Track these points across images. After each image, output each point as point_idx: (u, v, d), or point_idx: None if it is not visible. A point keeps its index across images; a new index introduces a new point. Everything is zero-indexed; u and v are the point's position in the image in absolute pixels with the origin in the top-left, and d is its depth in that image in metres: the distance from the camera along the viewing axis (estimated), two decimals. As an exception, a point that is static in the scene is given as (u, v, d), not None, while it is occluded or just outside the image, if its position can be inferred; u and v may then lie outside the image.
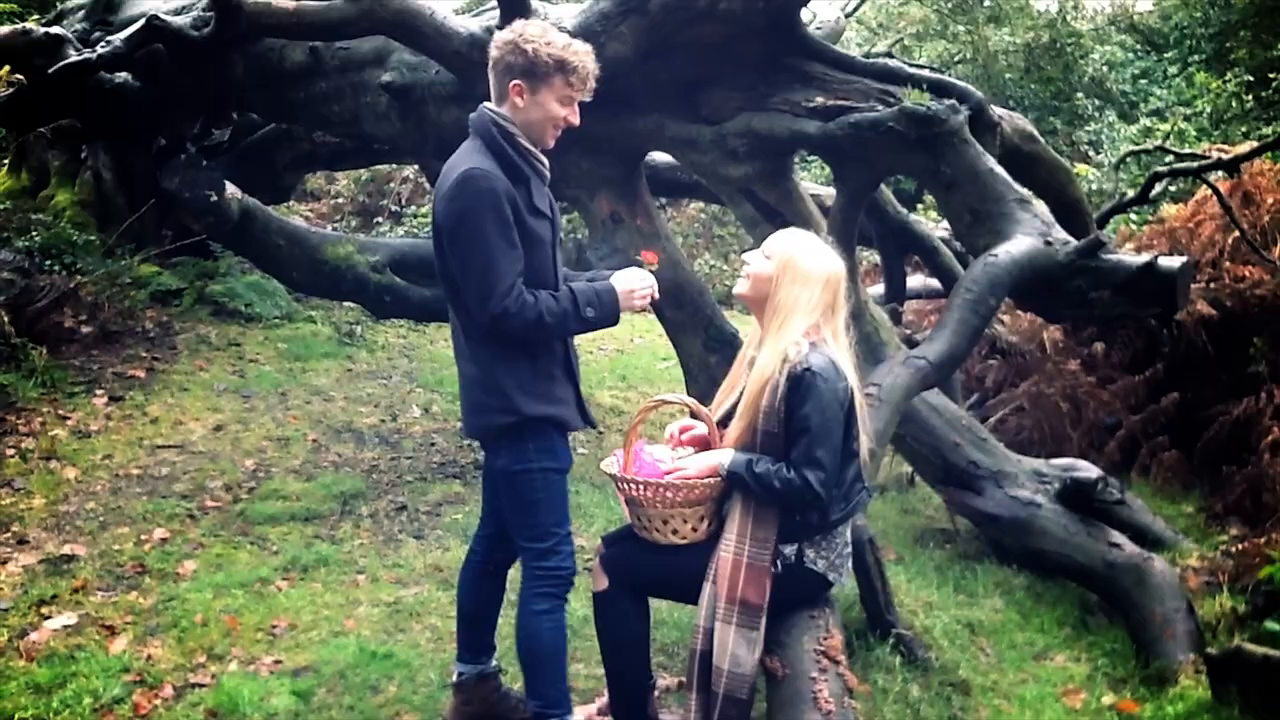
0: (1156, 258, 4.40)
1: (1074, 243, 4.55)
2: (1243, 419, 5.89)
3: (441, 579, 4.37)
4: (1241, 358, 6.06)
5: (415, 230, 10.64)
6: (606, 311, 2.93)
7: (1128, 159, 7.76)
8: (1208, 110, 12.61)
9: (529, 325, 2.78)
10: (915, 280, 7.05)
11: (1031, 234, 4.51)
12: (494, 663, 3.28)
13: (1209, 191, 6.76)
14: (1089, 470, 4.84)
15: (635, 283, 2.99)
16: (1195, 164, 6.10)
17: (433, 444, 6.11)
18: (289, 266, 5.61)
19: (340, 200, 11.77)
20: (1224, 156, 6.18)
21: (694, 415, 3.18)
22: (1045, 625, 4.28)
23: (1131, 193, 6.49)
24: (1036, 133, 5.41)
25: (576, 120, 2.94)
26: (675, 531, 3.02)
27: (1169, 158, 6.71)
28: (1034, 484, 4.74)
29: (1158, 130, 11.03)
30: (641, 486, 2.96)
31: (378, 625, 3.98)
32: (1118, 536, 4.41)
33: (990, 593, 4.52)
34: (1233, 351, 6.16)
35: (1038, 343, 6.45)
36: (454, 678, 3.25)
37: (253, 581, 4.27)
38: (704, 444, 3.16)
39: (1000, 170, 4.68)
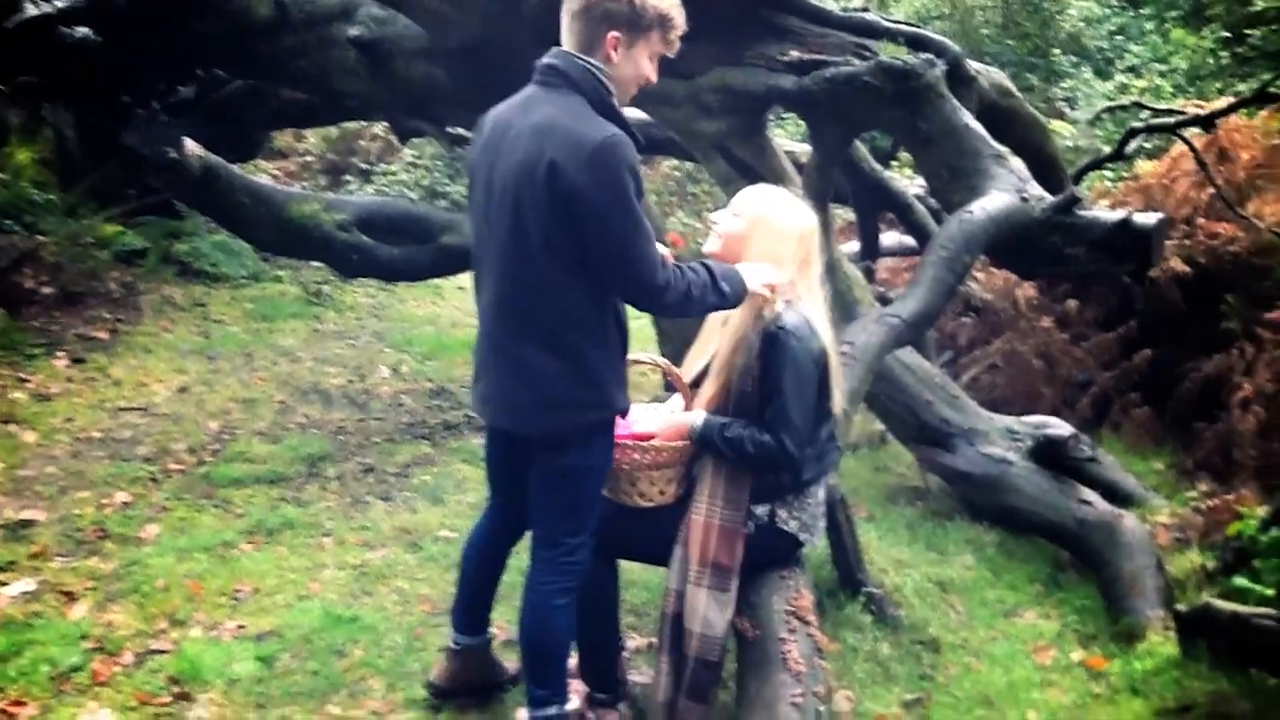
0: (1131, 214, 4.37)
1: (1050, 199, 4.50)
2: (1214, 376, 5.86)
3: (409, 541, 4.32)
4: (1215, 315, 6.03)
5: (386, 189, 10.48)
6: (736, 291, 2.77)
7: (1103, 115, 7.70)
8: (1184, 66, 12.53)
9: (683, 299, 2.62)
10: (889, 238, 6.99)
11: (1007, 190, 4.46)
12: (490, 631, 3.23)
13: (1185, 148, 6.73)
14: (1061, 428, 4.82)
15: (762, 272, 2.86)
16: (1172, 120, 6.04)
17: (401, 405, 6.04)
18: (254, 225, 5.49)
19: (309, 158, 11.58)
20: (1200, 112, 6.13)
21: (665, 375, 3.13)
22: (1016, 582, 4.27)
23: (1108, 149, 6.44)
24: (1013, 88, 5.35)
25: (656, 79, 2.74)
26: (644, 494, 2.96)
27: (1145, 114, 6.64)
28: (1006, 441, 4.72)
29: (1133, 87, 10.95)
30: (609, 448, 2.91)
31: (343, 589, 3.93)
32: (1089, 494, 4.40)
33: (961, 550, 4.51)
34: (1206, 308, 6.12)
35: (1011, 300, 6.42)
36: (453, 646, 3.16)
37: (216, 545, 4.20)
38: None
39: (977, 126, 4.63)
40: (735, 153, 5.20)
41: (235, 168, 5.69)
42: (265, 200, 5.50)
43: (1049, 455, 4.57)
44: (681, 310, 2.69)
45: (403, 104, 5.61)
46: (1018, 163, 4.62)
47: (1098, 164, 6.33)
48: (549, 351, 2.60)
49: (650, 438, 2.95)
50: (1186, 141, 5.98)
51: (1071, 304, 6.40)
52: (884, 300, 5.32)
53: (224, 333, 6.90)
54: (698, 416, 2.94)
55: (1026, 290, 6.43)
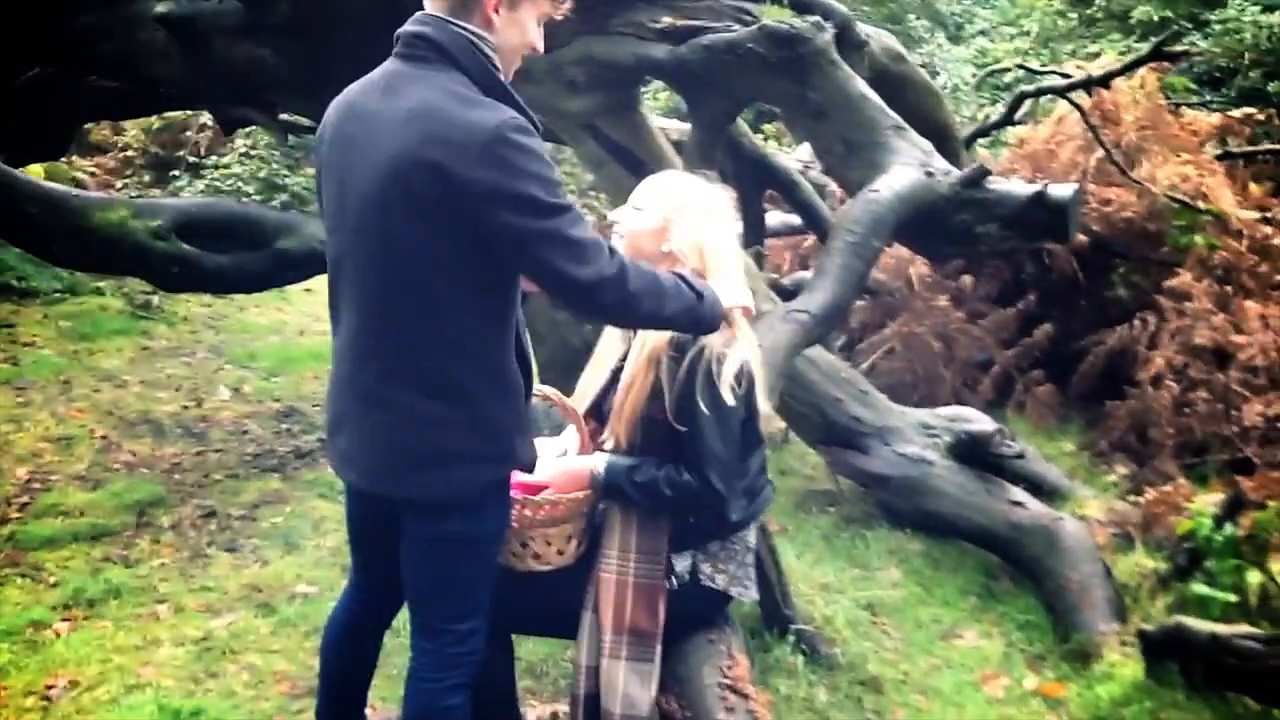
0: (1047, 186, 3.99)
1: (956, 172, 4.11)
2: (1118, 349, 5.64)
3: (260, 602, 3.68)
4: (1112, 284, 5.80)
5: (219, 183, 9.60)
6: (710, 300, 2.20)
7: (986, 80, 7.42)
8: (1034, 30, 12.52)
9: (642, 294, 2.05)
10: (773, 218, 6.56)
11: (911, 165, 4.05)
12: None
13: (1066, 112, 6.48)
14: (980, 420, 4.48)
15: (736, 287, 2.35)
16: (1061, 82, 5.74)
17: (245, 432, 5.34)
18: (47, 239, 4.68)
19: (130, 153, 10.57)
20: (1087, 75, 5.85)
21: (554, 407, 2.59)
22: (949, 597, 3.88)
23: (995, 115, 6.13)
24: (905, 52, 4.94)
25: (542, 49, 2.21)
26: (539, 556, 2.42)
27: (1036, 78, 6.35)
28: (922, 439, 4.35)
29: (991, 51, 10.81)
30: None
31: (182, 671, 3.28)
32: (1020, 494, 4.04)
33: (885, 562, 4.10)
34: (1103, 278, 5.90)
35: (905, 279, 6.07)
36: None
37: (23, 627, 3.49)
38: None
39: (873, 95, 4.19)
40: (606, 133, 4.67)
41: (20, 170, 4.88)
42: (58, 207, 4.70)
43: (971, 452, 4.20)
44: (642, 310, 2.09)
45: (225, 90, 4.88)
46: (916, 135, 4.21)
47: (985, 130, 6.01)
48: (432, 395, 2.04)
49: (543, 488, 2.41)
50: (1076, 105, 5.70)
51: (966, 280, 6.09)
52: (780, 290, 4.87)
53: (35, 357, 6.05)
54: (598, 460, 2.41)
55: (919, 268, 6.09)
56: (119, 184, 10.09)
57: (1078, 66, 6.56)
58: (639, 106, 4.69)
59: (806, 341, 3.71)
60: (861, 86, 4.18)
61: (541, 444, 2.70)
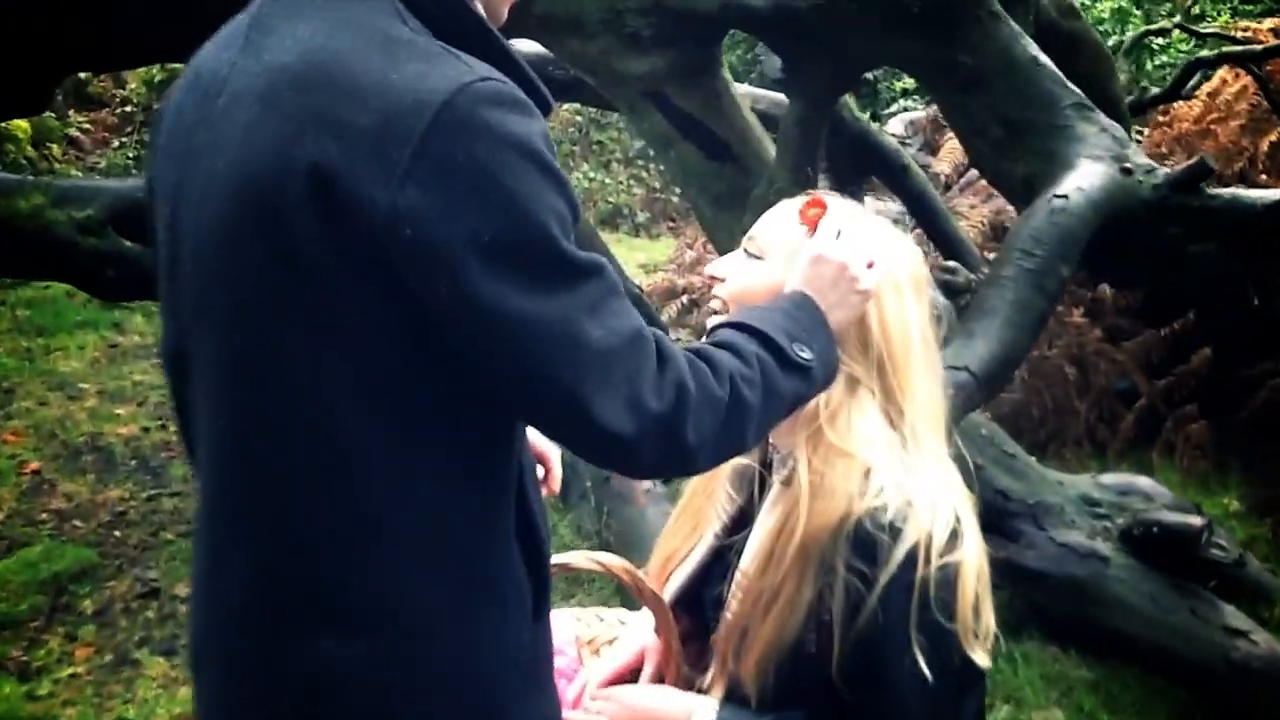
0: (1295, 191, 2.87)
1: (1161, 170, 3.00)
2: (1300, 383, 4.51)
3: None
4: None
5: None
6: (821, 341, 1.17)
7: (1143, 42, 6.22)
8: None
9: (719, 428, 1.03)
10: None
11: (1103, 159, 2.94)
12: None
13: (1221, 84, 5.32)
14: (1160, 496, 3.40)
15: (835, 268, 1.22)
16: (1242, 49, 4.57)
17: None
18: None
19: (130, 108, 9.51)
20: (1270, 43, 4.69)
21: (626, 584, 1.52)
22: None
23: (1157, 89, 4.98)
24: (1076, 3, 3.80)
25: None
26: None
27: (1197, 41, 5.18)
28: (1087, 521, 3.27)
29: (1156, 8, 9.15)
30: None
31: None
32: (1239, 618, 2.95)
33: (1042, 696, 3.04)
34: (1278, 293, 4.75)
35: (1031, 288, 4.93)
36: None
37: None
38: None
39: (1047, 61, 3.09)
40: (677, 103, 3.58)
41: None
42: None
43: (1161, 548, 3.11)
44: (718, 454, 1.09)
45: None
46: (1106, 117, 3.10)
47: (1141, 106, 4.86)
48: (344, 628, 1.01)
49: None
50: (1259, 76, 4.53)
51: (1104, 289, 4.96)
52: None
53: (-20, 356, 5.08)
54: (703, 707, 1.34)
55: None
56: (116, 142, 9.09)
57: (1244, 30, 5.37)
58: (720, 70, 3.59)
59: (967, 407, 2.63)
60: (1032, 49, 3.07)
61: (603, 626, 1.67)
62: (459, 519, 1.02)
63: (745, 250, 1.42)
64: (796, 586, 1.27)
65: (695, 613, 1.47)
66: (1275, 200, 2.84)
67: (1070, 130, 2.99)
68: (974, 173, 5.46)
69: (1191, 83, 4.78)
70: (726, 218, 3.69)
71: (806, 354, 1.14)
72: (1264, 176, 4.90)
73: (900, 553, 1.20)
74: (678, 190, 9.53)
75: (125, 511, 3.87)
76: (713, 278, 1.45)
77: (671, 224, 9.36)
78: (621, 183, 9.38)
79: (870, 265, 1.29)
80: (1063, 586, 3.15)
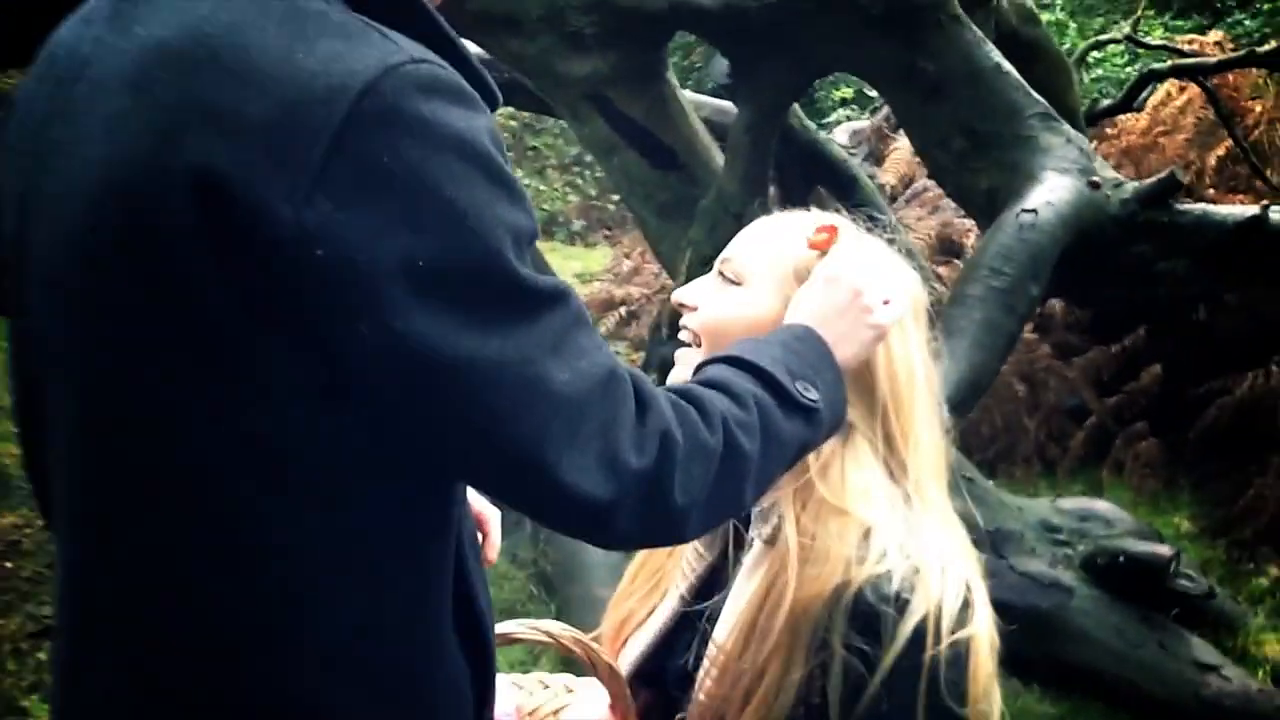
0: (1268, 207, 2.77)
1: (1130, 185, 2.87)
2: (1250, 400, 4.45)
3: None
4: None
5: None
6: (827, 379, 0.99)
7: (1089, 54, 6.15)
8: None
9: (710, 488, 0.85)
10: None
11: (1069, 171, 2.81)
12: None
13: (1164, 98, 5.28)
14: (1118, 519, 3.28)
15: (847, 295, 1.06)
16: (1200, 61, 4.50)
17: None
18: None
19: None
20: (1220, 56, 4.63)
21: (573, 654, 1.32)
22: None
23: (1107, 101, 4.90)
24: (1035, 8, 3.68)
25: None
26: None
27: (1133, 55, 5.13)
28: (1048, 548, 3.15)
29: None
30: None
31: None
32: (1210, 652, 2.83)
33: (1006, 735, 2.88)
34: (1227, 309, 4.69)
35: (979, 302, 4.83)
36: None
37: None
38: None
39: (1011, 69, 2.96)
40: (621, 107, 3.40)
41: None
42: None
43: (1127, 579, 2.99)
44: (710, 517, 0.90)
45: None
46: (1071, 128, 2.97)
47: (1094, 118, 4.78)
48: None
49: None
50: (1208, 89, 4.47)
51: (1054, 303, 4.86)
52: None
53: None
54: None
55: (997, 288, 4.85)
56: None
57: (1189, 42, 5.32)
58: (667, 74, 3.42)
59: (931, 438, 2.47)
60: (995, 55, 2.94)
61: (547, 692, 1.46)
62: (385, 617, 0.82)
63: (720, 273, 1.23)
64: (784, 666, 1.08)
65: (656, 686, 1.27)
66: (1247, 217, 2.73)
67: (1035, 141, 2.86)
68: (920, 184, 5.36)
69: (1144, 95, 4.72)
70: (672, 228, 3.52)
71: (812, 394, 0.95)
72: (1211, 190, 4.86)
73: (908, 629, 1.02)
74: (614, 197, 9.38)
75: (18, 540, 3.57)
76: (682, 305, 1.26)
77: (608, 232, 9.17)
78: (557, 189, 9.18)
79: (887, 301, 1.11)
80: (1025, 618, 2.99)
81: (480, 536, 1.18)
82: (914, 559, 1.05)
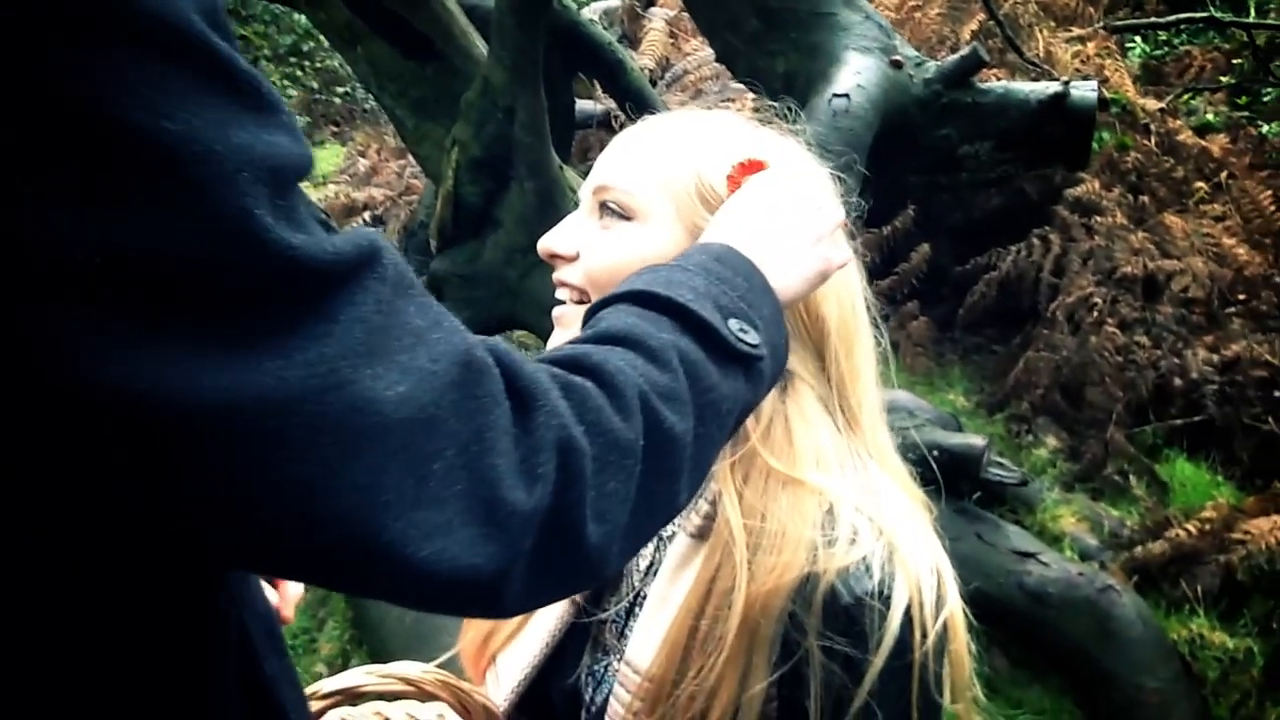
0: (1068, 85, 2.67)
1: (931, 64, 2.71)
2: (1014, 275, 4.52)
3: None
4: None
5: None
6: (765, 313, 0.70)
7: None
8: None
9: (636, 513, 0.60)
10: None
11: (871, 50, 2.61)
12: None
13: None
14: (919, 408, 3.23)
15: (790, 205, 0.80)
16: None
17: None
18: None
19: None
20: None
21: (429, 700, 1.03)
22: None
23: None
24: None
25: None
26: None
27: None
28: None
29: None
30: None
31: None
32: (1029, 540, 2.80)
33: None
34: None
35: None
36: None
37: None
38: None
39: (804, -64, 2.70)
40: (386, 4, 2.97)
41: None
42: None
43: (944, 472, 2.92)
44: (636, 541, 0.65)
45: None
46: (869, 3, 2.77)
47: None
48: None
49: None
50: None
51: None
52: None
53: None
54: None
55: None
56: None
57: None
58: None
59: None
60: (787, -77, 2.67)
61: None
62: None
63: (602, 205, 0.94)
64: (740, 681, 0.86)
65: (542, 713, 1.01)
66: (1050, 95, 2.62)
67: (834, 19, 2.64)
68: (680, 67, 5.12)
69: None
70: (433, 126, 3.13)
71: (751, 337, 0.69)
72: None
73: (894, 625, 0.83)
74: (340, 89, 8.68)
75: None
76: (554, 255, 0.95)
77: (336, 129, 8.50)
78: (274, 84, 8.38)
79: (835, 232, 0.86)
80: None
81: (275, 597, 0.87)
82: (886, 535, 0.85)
